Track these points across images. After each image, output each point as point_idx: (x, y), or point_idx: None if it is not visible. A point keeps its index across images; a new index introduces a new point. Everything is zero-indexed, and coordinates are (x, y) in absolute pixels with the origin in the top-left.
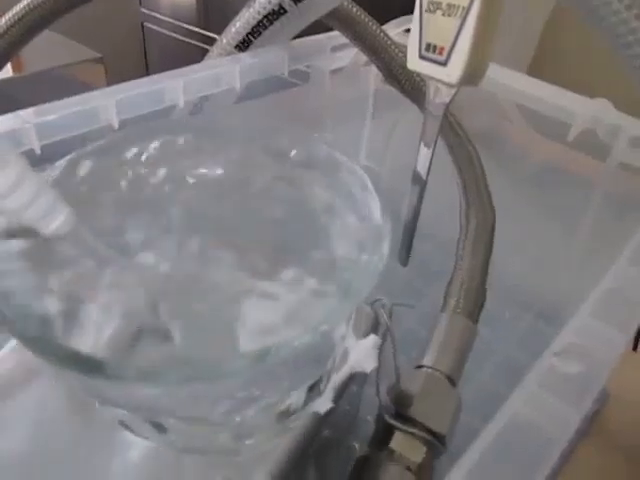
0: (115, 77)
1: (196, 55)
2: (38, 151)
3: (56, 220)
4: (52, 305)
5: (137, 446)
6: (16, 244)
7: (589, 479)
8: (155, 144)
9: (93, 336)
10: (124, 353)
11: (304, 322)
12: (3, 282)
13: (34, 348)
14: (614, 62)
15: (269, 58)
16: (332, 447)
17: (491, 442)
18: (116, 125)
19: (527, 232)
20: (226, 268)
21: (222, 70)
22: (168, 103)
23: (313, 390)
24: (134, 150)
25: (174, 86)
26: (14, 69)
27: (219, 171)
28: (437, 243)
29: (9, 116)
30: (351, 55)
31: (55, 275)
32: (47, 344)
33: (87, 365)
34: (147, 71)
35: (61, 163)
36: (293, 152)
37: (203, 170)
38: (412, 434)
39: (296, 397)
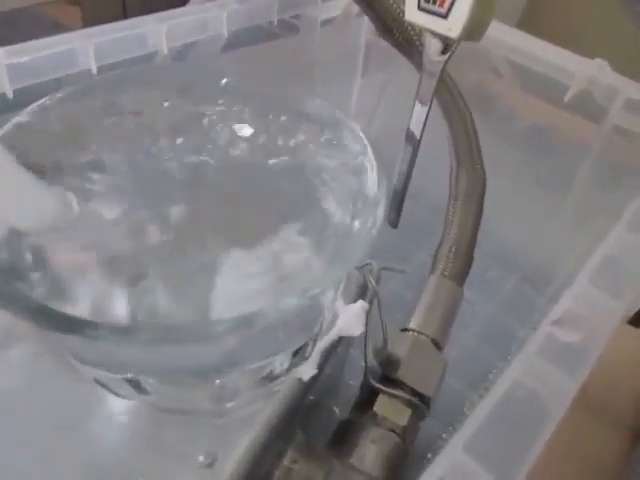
0: (92, 20)
1: (177, 1)
2: (10, 95)
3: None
4: (28, 261)
5: (118, 410)
6: None
7: (566, 440)
8: (138, 94)
9: (72, 295)
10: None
11: (292, 286)
12: None
13: (10, 305)
14: (610, 18)
15: (258, 4)
16: (314, 410)
17: (491, 410)
18: (94, 70)
19: (514, 194)
20: (215, 229)
21: (208, 15)
22: (151, 49)
23: (298, 355)
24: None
25: (157, 30)
26: None
27: (206, 125)
28: (425, 204)
29: None
30: (342, 5)
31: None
32: (23, 301)
33: (65, 324)
34: (125, 15)
35: (33, 108)
36: (290, 105)
37: (191, 124)
38: (397, 397)
39: (280, 361)
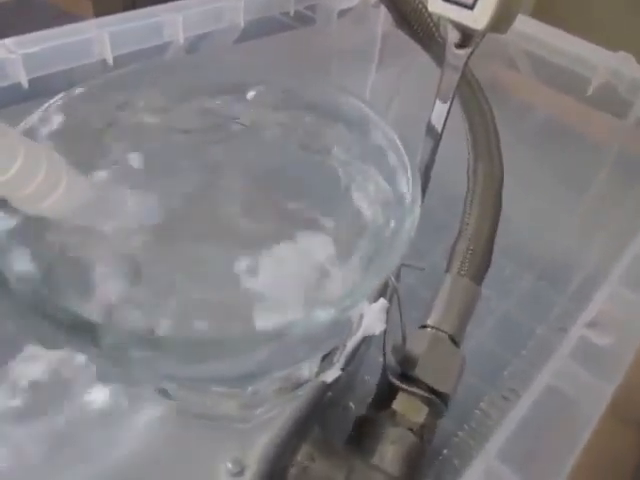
0: (102, 8)
1: None
2: (26, 85)
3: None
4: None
5: (145, 416)
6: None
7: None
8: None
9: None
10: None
11: (325, 298)
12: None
13: (31, 312)
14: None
15: None
16: (330, 406)
17: (524, 415)
18: (110, 61)
19: (532, 190)
20: (241, 228)
21: (225, 4)
22: (167, 39)
23: (327, 359)
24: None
25: (174, 20)
26: None
27: (234, 125)
28: (442, 197)
29: None
30: None
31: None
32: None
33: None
34: (134, 3)
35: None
36: (323, 102)
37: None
38: (415, 394)
39: (309, 367)
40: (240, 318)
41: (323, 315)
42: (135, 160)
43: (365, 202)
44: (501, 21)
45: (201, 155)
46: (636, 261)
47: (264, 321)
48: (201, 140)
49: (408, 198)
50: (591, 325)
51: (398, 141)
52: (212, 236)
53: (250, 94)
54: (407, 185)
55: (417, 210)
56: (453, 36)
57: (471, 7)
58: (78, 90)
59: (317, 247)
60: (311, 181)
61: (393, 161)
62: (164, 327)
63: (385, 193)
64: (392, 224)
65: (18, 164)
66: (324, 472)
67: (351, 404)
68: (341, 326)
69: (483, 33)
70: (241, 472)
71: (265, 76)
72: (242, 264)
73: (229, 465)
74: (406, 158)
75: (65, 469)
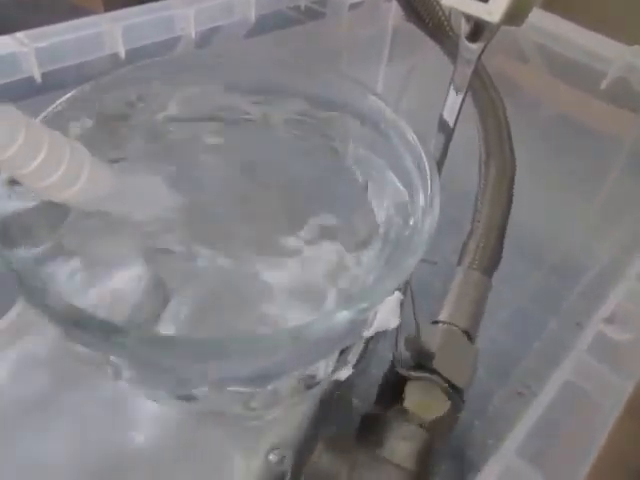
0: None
1: None
2: (39, 79)
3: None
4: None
5: (151, 417)
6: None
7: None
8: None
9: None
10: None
11: (344, 298)
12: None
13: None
14: None
15: None
16: (337, 403)
17: (543, 412)
18: (122, 55)
19: (545, 185)
20: (258, 235)
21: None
22: (178, 32)
23: (342, 356)
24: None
25: (186, 14)
26: None
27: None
28: (453, 191)
29: (4, 38)
30: None
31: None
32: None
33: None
34: None
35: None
36: (341, 101)
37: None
38: (432, 381)
39: (325, 366)
40: (258, 320)
41: (342, 316)
42: (148, 154)
43: (382, 201)
44: (516, 14)
45: (213, 154)
46: None
47: (283, 323)
48: (212, 137)
49: (427, 197)
50: (609, 321)
51: (416, 139)
52: (224, 237)
53: (262, 90)
54: (426, 184)
55: (436, 209)
56: (466, 30)
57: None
58: (90, 85)
59: (333, 247)
60: (327, 180)
61: (411, 160)
62: (181, 328)
63: (403, 192)
64: (411, 223)
65: (43, 155)
66: (332, 465)
67: (354, 399)
68: (359, 325)
69: (498, 26)
70: (281, 461)
71: (277, 72)
72: (258, 265)
73: (270, 457)
74: (424, 156)
75: (74, 467)
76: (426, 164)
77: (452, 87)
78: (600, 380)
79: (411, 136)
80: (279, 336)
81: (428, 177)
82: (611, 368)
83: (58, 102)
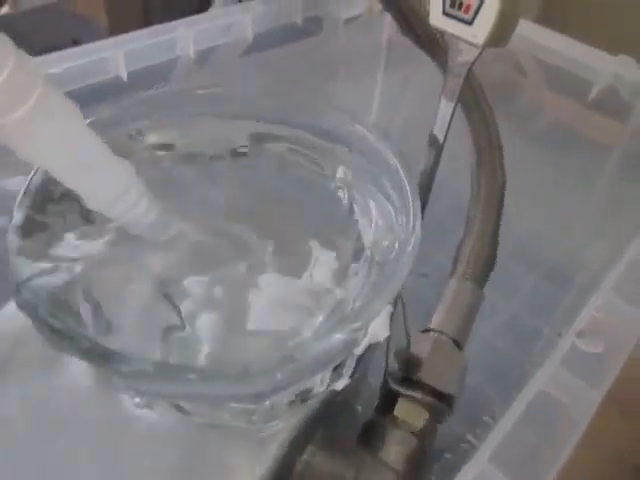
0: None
1: None
2: None
3: None
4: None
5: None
6: None
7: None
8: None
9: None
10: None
11: (335, 319)
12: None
13: (61, 343)
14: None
15: (282, 5)
16: (339, 411)
17: (516, 420)
18: (124, 77)
19: (536, 191)
20: (247, 251)
21: (234, 19)
22: (179, 53)
23: (337, 370)
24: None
25: (186, 36)
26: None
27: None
28: (445, 201)
29: None
30: (366, 3)
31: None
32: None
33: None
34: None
35: None
36: (323, 126)
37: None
38: (415, 399)
39: (320, 380)
40: (249, 343)
41: (334, 339)
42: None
43: (369, 224)
44: (500, 36)
45: (206, 179)
46: (629, 268)
47: (275, 345)
48: (206, 165)
49: (410, 219)
50: (581, 334)
51: (398, 165)
52: (215, 263)
53: (252, 116)
54: (408, 207)
55: (418, 230)
56: (455, 47)
57: (470, 23)
58: (90, 120)
59: (322, 269)
60: (313, 203)
61: (392, 185)
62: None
63: (387, 214)
64: (396, 245)
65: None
66: (331, 468)
67: (358, 407)
68: (350, 344)
69: (482, 48)
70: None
71: (268, 97)
72: (247, 286)
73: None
74: (406, 181)
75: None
76: (408, 189)
77: (442, 101)
78: (572, 390)
79: (393, 161)
80: (272, 361)
81: (410, 201)
82: (583, 379)
83: None
